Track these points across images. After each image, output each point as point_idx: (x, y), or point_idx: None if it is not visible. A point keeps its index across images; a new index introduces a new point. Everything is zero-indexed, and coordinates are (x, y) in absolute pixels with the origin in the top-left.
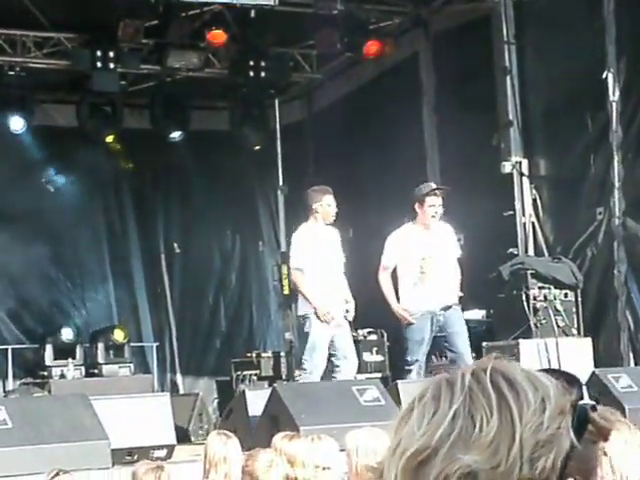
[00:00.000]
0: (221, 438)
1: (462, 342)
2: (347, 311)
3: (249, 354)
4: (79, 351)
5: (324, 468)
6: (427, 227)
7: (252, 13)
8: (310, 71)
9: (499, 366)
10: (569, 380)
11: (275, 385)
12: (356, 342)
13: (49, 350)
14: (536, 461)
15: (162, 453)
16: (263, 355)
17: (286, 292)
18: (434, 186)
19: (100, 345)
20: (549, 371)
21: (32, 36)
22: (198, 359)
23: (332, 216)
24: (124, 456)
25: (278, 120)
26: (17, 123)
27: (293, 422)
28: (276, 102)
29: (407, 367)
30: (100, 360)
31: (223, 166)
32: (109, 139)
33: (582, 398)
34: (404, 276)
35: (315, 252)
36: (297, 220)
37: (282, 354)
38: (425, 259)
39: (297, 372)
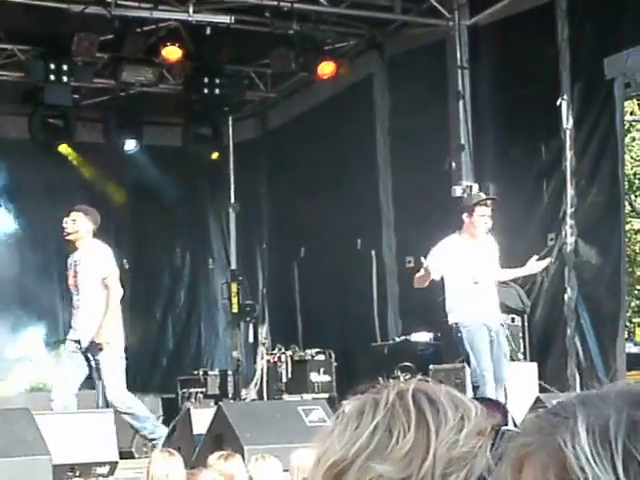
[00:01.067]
0: (164, 456)
1: (504, 367)
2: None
3: (195, 372)
4: None
5: None
6: (475, 237)
7: (208, 30)
8: (264, 90)
9: (424, 387)
10: (496, 407)
11: (221, 404)
12: (304, 362)
13: None
14: (448, 477)
15: (104, 470)
16: (210, 373)
17: (235, 310)
18: (484, 196)
19: None
20: (478, 399)
21: None
22: (144, 376)
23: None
24: (66, 472)
25: (231, 137)
26: None
27: (238, 441)
28: (230, 119)
29: (477, 381)
30: None
31: (175, 182)
32: (62, 148)
33: (506, 424)
34: (456, 288)
35: None
36: (250, 237)
37: (229, 372)
38: (478, 271)
39: (244, 391)
